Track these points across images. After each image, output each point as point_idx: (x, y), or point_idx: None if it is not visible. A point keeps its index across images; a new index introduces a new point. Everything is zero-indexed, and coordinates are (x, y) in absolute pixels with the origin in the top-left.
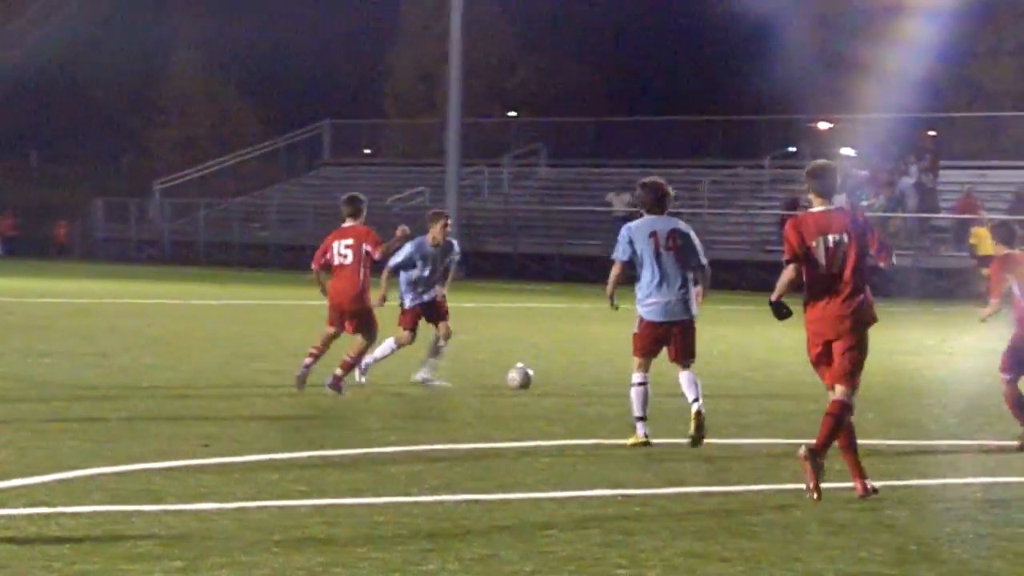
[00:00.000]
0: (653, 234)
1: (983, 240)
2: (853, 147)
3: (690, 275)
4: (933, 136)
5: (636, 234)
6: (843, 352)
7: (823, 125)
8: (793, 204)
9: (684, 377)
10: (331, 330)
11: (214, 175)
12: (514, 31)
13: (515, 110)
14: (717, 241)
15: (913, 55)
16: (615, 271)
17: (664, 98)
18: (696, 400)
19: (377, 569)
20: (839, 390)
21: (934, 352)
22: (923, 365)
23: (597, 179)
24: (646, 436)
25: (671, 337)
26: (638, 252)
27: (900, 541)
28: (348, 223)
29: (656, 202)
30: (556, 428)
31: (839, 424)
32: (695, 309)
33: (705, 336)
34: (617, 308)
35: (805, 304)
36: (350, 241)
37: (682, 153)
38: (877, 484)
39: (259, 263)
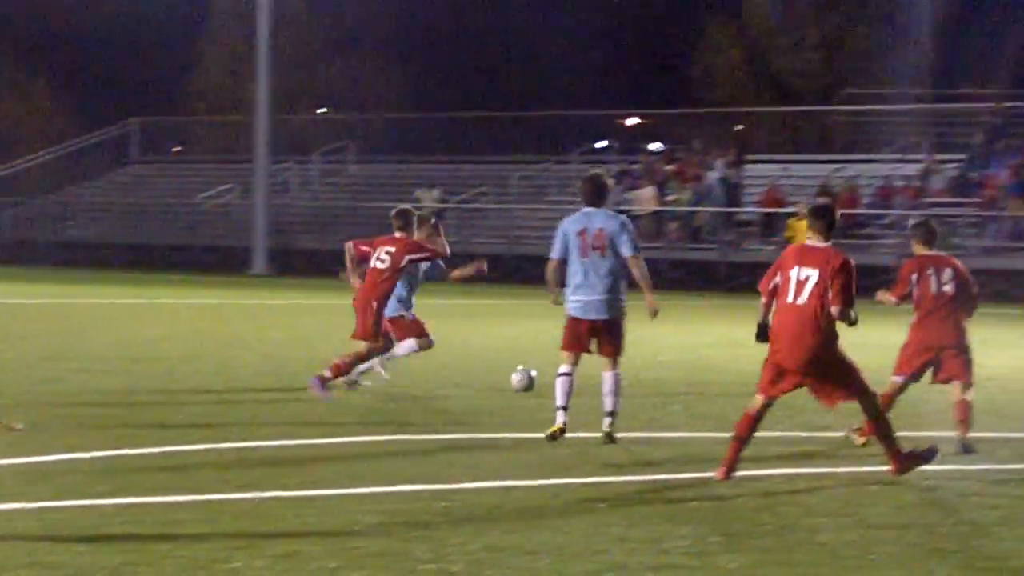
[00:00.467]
0: (582, 232)
1: (799, 232)
2: (661, 142)
3: (620, 274)
4: (738, 131)
5: (569, 229)
6: (823, 391)
7: (631, 121)
8: None
9: (607, 381)
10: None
11: (23, 173)
12: (322, 27)
13: (324, 106)
14: (527, 236)
15: (717, 51)
16: (550, 267)
17: (474, 94)
18: (610, 415)
19: (181, 567)
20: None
21: (741, 345)
22: (730, 358)
23: (406, 175)
24: (563, 425)
25: (597, 333)
26: (569, 248)
27: (702, 532)
28: (398, 235)
29: (592, 195)
30: (365, 425)
31: (884, 424)
32: (622, 307)
33: (511, 332)
34: (561, 304)
35: (773, 328)
36: (392, 248)
37: (491, 149)
38: (683, 476)
39: (68, 262)
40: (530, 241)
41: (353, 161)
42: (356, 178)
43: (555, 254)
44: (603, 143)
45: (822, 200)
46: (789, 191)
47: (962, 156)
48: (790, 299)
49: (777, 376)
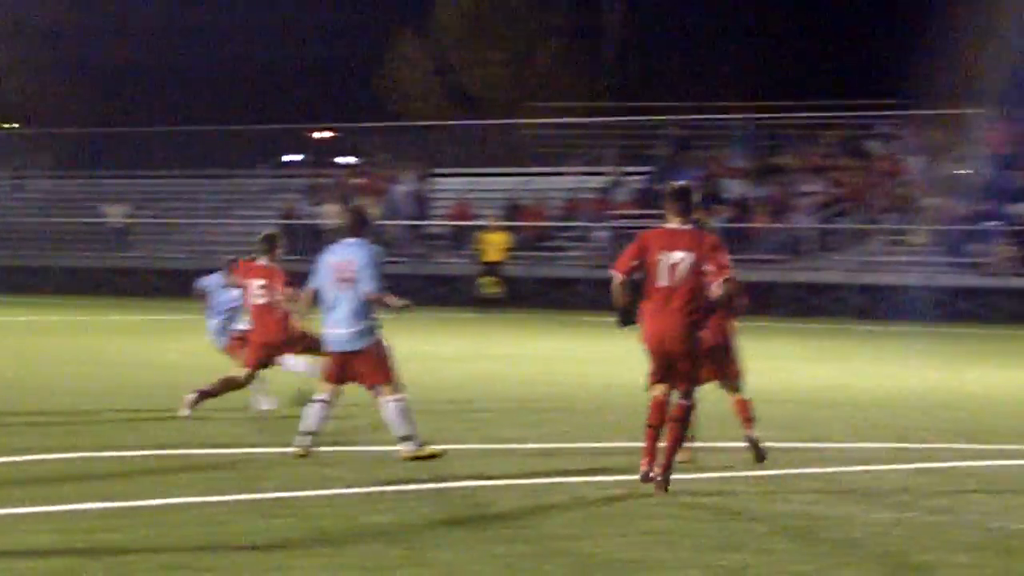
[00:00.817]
0: (333, 265)
1: (491, 246)
2: (352, 155)
3: (369, 304)
4: (426, 144)
5: (326, 259)
6: (683, 364)
7: (321, 134)
8: (288, 214)
9: (383, 411)
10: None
11: None
12: (6, 41)
13: (11, 121)
14: (216, 251)
15: (406, 63)
16: (304, 295)
17: (163, 108)
18: (403, 440)
19: None
20: (677, 395)
21: (434, 359)
22: (424, 372)
23: (95, 191)
24: (306, 450)
25: (353, 365)
26: (322, 278)
27: (378, 549)
28: (262, 261)
29: (350, 227)
30: (50, 442)
31: (685, 426)
32: (373, 336)
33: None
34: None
35: (644, 315)
36: (263, 282)
37: (181, 163)
38: (367, 490)
39: None
40: (220, 256)
41: (40, 176)
42: (43, 194)
43: (310, 283)
44: (293, 157)
45: (680, 182)
46: (477, 204)
47: (648, 168)
48: (664, 283)
49: (667, 365)
